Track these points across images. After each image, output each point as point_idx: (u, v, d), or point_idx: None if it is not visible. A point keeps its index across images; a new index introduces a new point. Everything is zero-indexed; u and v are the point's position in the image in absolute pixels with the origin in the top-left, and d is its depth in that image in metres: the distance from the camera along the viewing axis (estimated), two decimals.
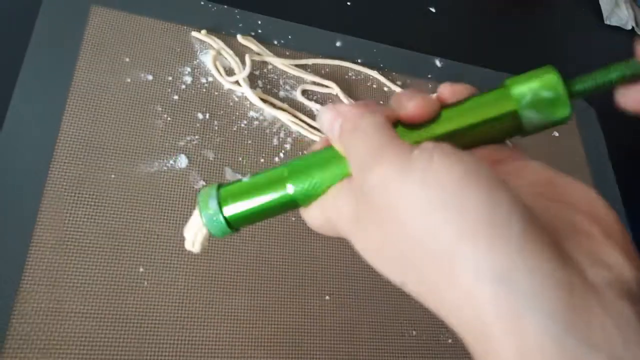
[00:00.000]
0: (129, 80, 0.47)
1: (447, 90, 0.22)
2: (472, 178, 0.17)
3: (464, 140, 0.21)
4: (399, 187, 0.18)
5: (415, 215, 0.18)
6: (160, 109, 0.47)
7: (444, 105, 0.22)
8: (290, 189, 0.24)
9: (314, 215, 0.24)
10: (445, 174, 0.17)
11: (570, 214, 0.18)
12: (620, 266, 0.17)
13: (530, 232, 0.16)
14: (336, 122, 0.22)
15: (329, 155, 0.23)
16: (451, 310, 0.18)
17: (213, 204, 0.25)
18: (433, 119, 0.22)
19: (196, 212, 0.26)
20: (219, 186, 0.26)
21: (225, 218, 0.25)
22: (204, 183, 0.45)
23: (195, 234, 0.29)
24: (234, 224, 0.26)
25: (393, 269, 0.20)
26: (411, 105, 0.22)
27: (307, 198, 0.24)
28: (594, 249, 0.17)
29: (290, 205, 0.25)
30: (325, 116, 0.22)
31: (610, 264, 0.16)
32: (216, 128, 0.48)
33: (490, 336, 0.16)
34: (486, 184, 0.17)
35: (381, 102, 0.57)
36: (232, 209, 0.25)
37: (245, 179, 0.25)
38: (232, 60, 0.51)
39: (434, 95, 0.23)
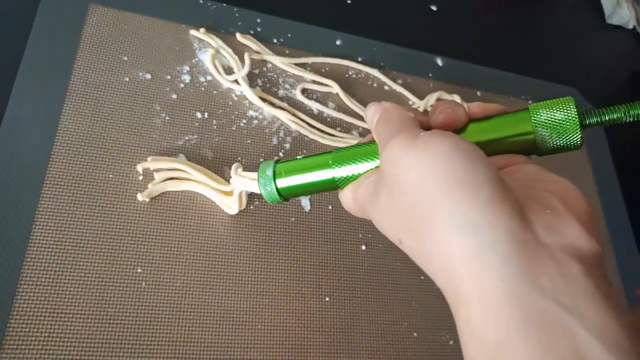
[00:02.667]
0: (127, 79, 0.47)
1: (478, 108, 0.26)
2: (461, 153, 0.21)
3: (485, 150, 0.23)
4: (403, 157, 0.22)
5: (412, 178, 0.21)
6: (158, 108, 0.47)
7: (472, 119, 0.26)
8: (332, 172, 0.29)
9: (347, 196, 0.28)
10: (439, 148, 0.21)
11: (544, 195, 0.21)
12: (576, 237, 0.19)
13: (497, 196, 0.19)
14: (377, 114, 0.27)
15: (368, 148, 0.28)
16: (429, 258, 0.21)
17: (269, 172, 0.31)
18: (460, 129, 0.26)
19: (254, 176, 0.34)
20: (277, 161, 0.32)
21: (276, 187, 0.31)
22: None
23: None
24: (283, 194, 0.32)
25: (393, 227, 0.23)
26: (441, 117, 0.26)
27: (345, 181, 0.28)
28: (555, 220, 0.20)
29: (330, 185, 0.29)
30: (371, 109, 0.27)
31: (566, 233, 0.19)
32: (215, 127, 0.48)
33: (457, 278, 0.19)
34: (470, 158, 0.21)
35: (382, 100, 0.57)
36: (284, 182, 0.31)
37: (299, 158, 0.31)
38: (231, 59, 0.51)
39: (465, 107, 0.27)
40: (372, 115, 0.27)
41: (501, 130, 0.25)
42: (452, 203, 0.19)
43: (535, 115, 0.24)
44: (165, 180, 0.43)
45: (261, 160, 0.48)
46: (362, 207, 0.27)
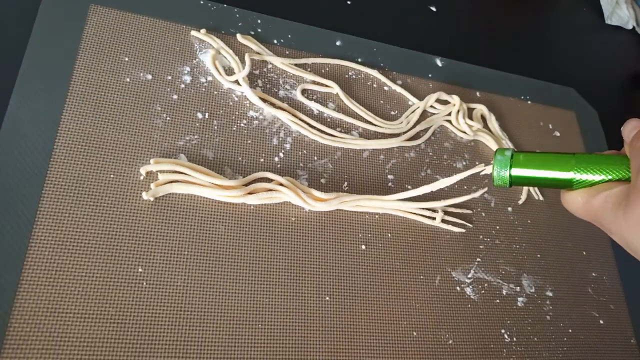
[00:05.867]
0: (128, 79, 0.47)
1: None
2: None
3: None
4: None
5: None
6: (159, 108, 0.47)
7: None
8: (571, 174, 0.30)
9: (576, 198, 0.29)
10: None
11: None
12: None
13: None
14: (635, 129, 0.28)
15: (616, 159, 0.29)
16: None
17: (508, 153, 0.33)
18: None
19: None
20: (513, 150, 0.33)
21: (510, 173, 0.33)
22: None
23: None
24: (513, 180, 0.33)
25: None
26: None
27: (580, 184, 0.30)
28: None
29: (562, 184, 0.30)
30: (631, 124, 0.29)
31: None
32: (216, 128, 0.48)
33: None
34: None
35: (381, 101, 0.57)
36: (518, 171, 0.33)
37: (537, 152, 0.32)
38: (231, 60, 0.51)
39: None
40: (631, 129, 0.28)
41: None
42: None
43: None
44: (169, 183, 0.43)
45: (261, 160, 0.48)
46: (596, 213, 0.28)
